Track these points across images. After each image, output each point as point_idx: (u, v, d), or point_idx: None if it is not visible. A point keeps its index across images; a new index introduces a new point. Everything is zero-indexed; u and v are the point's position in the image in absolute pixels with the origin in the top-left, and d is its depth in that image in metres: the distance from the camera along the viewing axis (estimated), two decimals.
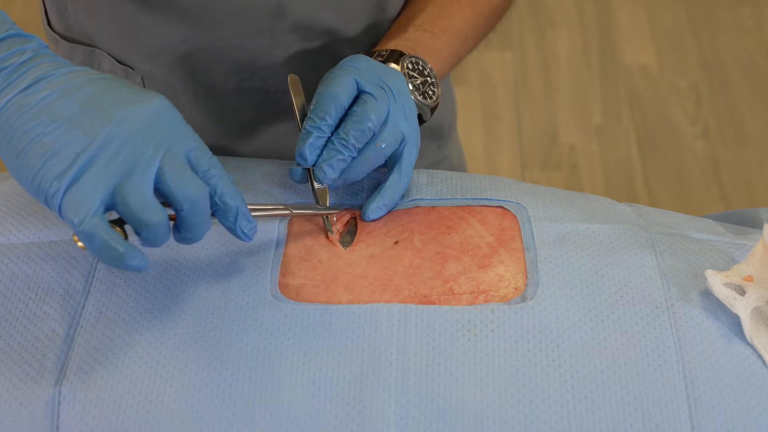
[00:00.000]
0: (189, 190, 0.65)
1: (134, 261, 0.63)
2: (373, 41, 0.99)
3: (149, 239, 0.64)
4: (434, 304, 0.72)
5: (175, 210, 0.66)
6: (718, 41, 2.67)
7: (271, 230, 0.78)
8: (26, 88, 0.63)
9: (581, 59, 2.64)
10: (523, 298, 0.72)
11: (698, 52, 2.64)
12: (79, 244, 0.65)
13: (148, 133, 0.64)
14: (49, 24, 1.04)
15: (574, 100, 2.53)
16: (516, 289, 0.73)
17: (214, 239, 0.77)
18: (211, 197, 0.68)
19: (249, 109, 1.01)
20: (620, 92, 2.54)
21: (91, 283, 0.75)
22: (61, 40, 1.02)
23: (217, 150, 0.70)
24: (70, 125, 0.62)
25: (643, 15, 2.75)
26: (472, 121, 2.41)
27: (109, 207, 0.63)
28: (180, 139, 0.66)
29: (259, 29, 0.93)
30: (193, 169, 0.66)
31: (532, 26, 2.72)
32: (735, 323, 0.71)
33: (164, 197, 0.65)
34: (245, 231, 0.70)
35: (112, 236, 0.62)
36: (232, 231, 0.70)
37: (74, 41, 1.00)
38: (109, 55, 0.98)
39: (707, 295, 0.72)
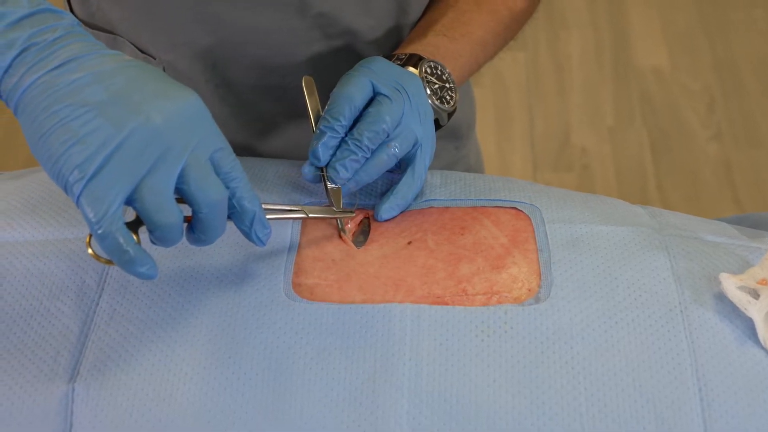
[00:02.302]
0: (210, 193, 0.64)
1: (143, 268, 0.63)
2: (394, 44, 0.99)
3: (161, 239, 0.64)
4: (447, 304, 0.72)
5: (193, 212, 0.65)
6: (731, 43, 2.66)
7: (284, 230, 0.78)
8: (56, 68, 0.62)
9: (594, 61, 2.63)
10: (537, 300, 0.72)
11: (711, 54, 2.64)
12: (90, 251, 0.65)
13: (177, 130, 0.63)
14: (71, 10, 1.03)
15: (586, 102, 2.52)
16: (529, 290, 0.73)
17: (228, 238, 0.77)
18: (229, 199, 0.67)
19: (268, 106, 1.01)
20: (633, 94, 2.53)
21: (104, 281, 0.75)
22: (83, 26, 1.02)
23: (235, 146, 0.69)
24: (98, 113, 0.61)
25: (655, 17, 2.75)
26: (484, 121, 2.41)
27: (127, 202, 0.62)
28: (207, 138, 0.65)
29: (282, 25, 0.93)
30: (216, 170, 0.66)
31: (545, 27, 2.71)
32: (749, 327, 0.70)
33: (184, 197, 0.64)
34: (260, 236, 0.70)
35: (126, 239, 0.61)
36: (247, 235, 0.70)
37: (96, 28, 1.00)
38: (131, 43, 0.98)
39: (721, 298, 0.72)
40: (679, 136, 2.42)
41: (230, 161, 0.67)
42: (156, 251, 0.76)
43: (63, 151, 0.60)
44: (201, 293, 0.73)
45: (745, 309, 0.70)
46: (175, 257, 0.76)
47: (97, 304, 0.74)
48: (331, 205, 0.79)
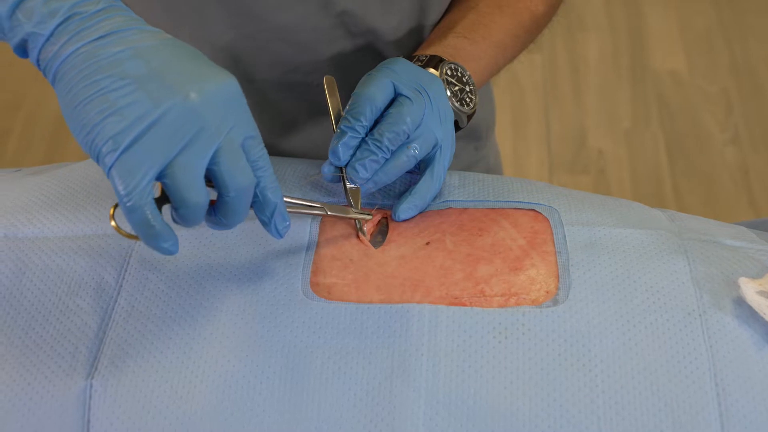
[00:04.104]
0: (240, 178, 0.64)
1: (167, 244, 0.63)
2: (415, 45, 0.99)
3: (185, 217, 0.64)
4: (465, 305, 0.72)
5: (220, 194, 0.65)
6: (749, 46, 2.65)
7: (303, 229, 0.78)
8: (98, 39, 0.62)
9: (611, 63, 2.63)
10: (555, 302, 0.72)
11: (729, 57, 2.63)
12: (112, 223, 0.65)
13: (214, 111, 0.63)
14: None
15: (603, 104, 2.52)
16: (547, 292, 0.73)
17: (246, 236, 0.77)
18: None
19: (290, 103, 1.02)
20: (649, 97, 2.52)
21: (123, 278, 0.75)
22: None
23: None
24: (137, 86, 0.61)
25: (673, 19, 2.74)
26: (500, 123, 2.39)
27: (156, 178, 0.62)
28: (242, 123, 0.65)
29: (307, 23, 0.93)
30: (245, 156, 0.66)
31: (561, 29, 2.71)
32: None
33: (212, 179, 0.64)
34: (278, 228, 0.70)
35: (154, 214, 0.61)
36: (266, 226, 0.70)
37: None
38: None
39: (740, 302, 0.72)
40: (696, 139, 2.42)
41: (259, 150, 0.67)
42: (178, 251, 0.77)
43: (99, 121, 0.60)
44: (219, 291, 0.74)
45: (764, 314, 0.70)
46: (194, 255, 0.76)
47: (116, 300, 0.74)
48: (350, 205, 0.79)
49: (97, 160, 0.61)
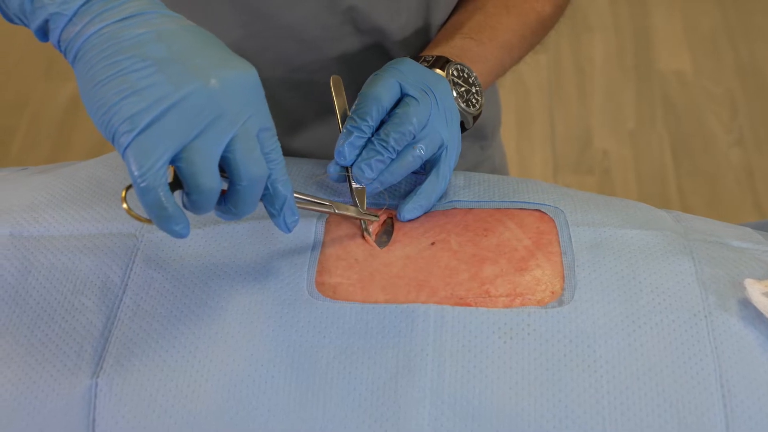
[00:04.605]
0: (253, 168, 0.64)
1: (178, 226, 0.63)
2: (421, 45, 0.99)
3: (196, 203, 0.63)
4: (470, 305, 0.72)
5: (232, 183, 0.65)
6: (754, 47, 2.65)
7: (308, 228, 0.78)
8: (121, 20, 0.62)
9: (616, 63, 2.62)
10: (560, 303, 0.72)
11: (734, 58, 2.62)
12: (124, 205, 0.65)
13: (233, 99, 0.63)
14: None
15: (608, 105, 2.51)
16: (553, 293, 0.73)
17: (251, 236, 0.77)
18: None
19: (296, 102, 1.02)
20: (655, 97, 2.52)
21: (128, 277, 0.75)
22: None
23: None
24: (158, 69, 0.61)
25: (678, 20, 2.73)
26: (505, 123, 2.38)
27: (172, 161, 0.62)
28: (259, 114, 0.65)
29: (314, 20, 0.93)
30: (259, 147, 0.66)
31: (567, 30, 2.70)
32: None
33: (226, 167, 0.64)
34: (287, 222, 0.70)
35: (167, 196, 0.61)
36: (275, 219, 0.70)
37: None
38: None
39: (746, 304, 0.72)
40: (701, 140, 2.41)
41: (273, 143, 0.67)
42: (182, 248, 0.77)
43: (117, 101, 0.60)
44: (224, 291, 0.74)
45: None
46: (199, 255, 0.76)
47: (121, 300, 0.74)
48: (356, 204, 0.79)
49: (113, 140, 0.61)
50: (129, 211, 0.65)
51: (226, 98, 0.62)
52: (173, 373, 0.69)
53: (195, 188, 0.62)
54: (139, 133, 0.60)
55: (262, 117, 0.66)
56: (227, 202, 0.66)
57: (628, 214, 0.81)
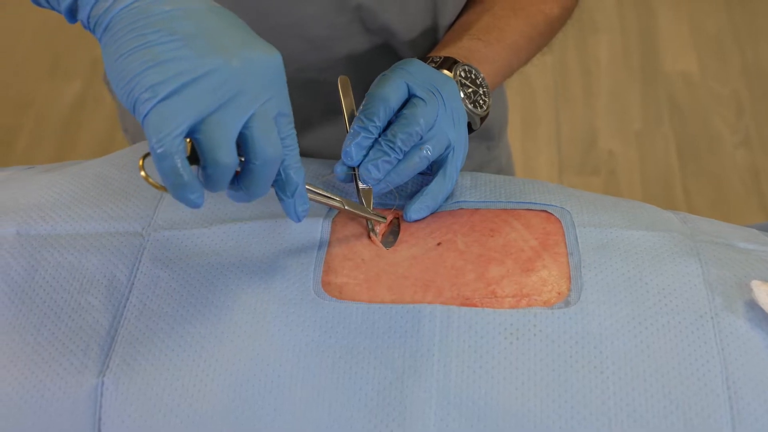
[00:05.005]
0: (269, 148, 0.64)
1: (193, 195, 0.63)
2: (429, 46, 0.99)
3: (211, 177, 0.63)
4: (476, 306, 0.72)
5: (246, 161, 0.65)
6: (760, 49, 2.64)
7: (315, 228, 0.78)
8: None
9: (622, 64, 2.62)
10: (567, 303, 0.72)
11: (740, 59, 2.62)
12: (142, 173, 0.65)
13: (255, 80, 0.64)
14: None
15: (613, 106, 2.51)
16: (559, 293, 0.73)
17: (257, 235, 0.77)
18: None
19: (303, 101, 1.02)
20: (661, 98, 2.52)
21: (135, 276, 0.75)
22: None
23: None
24: (184, 44, 0.62)
25: (685, 21, 2.73)
26: (510, 123, 2.38)
27: (190, 132, 0.62)
28: (279, 98, 0.66)
29: (322, 18, 0.93)
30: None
31: (573, 31, 2.69)
32: None
33: (243, 144, 0.64)
34: (297, 210, 0.70)
35: (183, 163, 0.61)
36: (286, 207, 0.70)
37: None
38: None
39: (752, 305, 0.72)
40: (707, 141, 2.41)
41: (289, 129, 0.67)
42: (188, 247, 0.77)
43: (140, 71, 0.61)
44: (231, 290, 0.74)
45: None
46: (205, 254, 0.76)
47: (128, 298, 0.74)
48: (362, 205, 0.79)
49: (134, 109, 0.61)
50: (146, 178, 0.65)
51: (248, 77, 0.63)
52: (179, 373, 0.70)
53: (212, 161, 0.62)
54: (159, 101, 0.60)
55: (282, 101, 0.66)
56: (240, 182, 0.66)
57: (634, 215, 0.81)
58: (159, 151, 0.60)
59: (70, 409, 0.69)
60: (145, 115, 0.60)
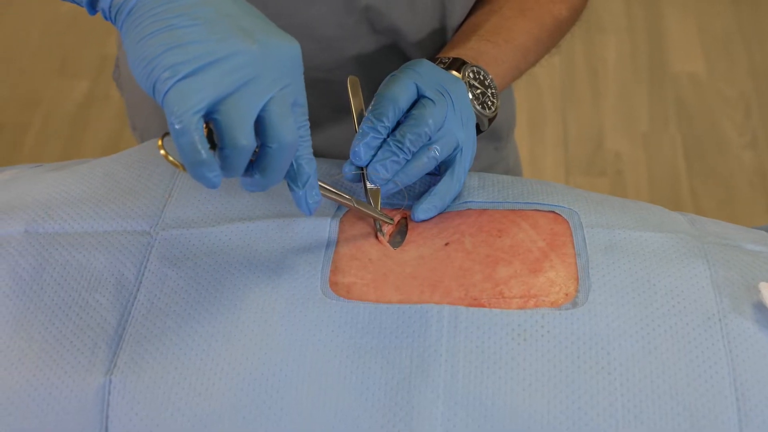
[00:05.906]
0: (285, 132, 0.65)
1: (211, 174, 0.63)
2: (438, 47, 0.99)
3: (228, 159, 0.64)
4: (484, 306, 0.72)
5: (263, 145, 0.65)
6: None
7: (322, 228, 0.78)
8: None
9: (629, 65, 2.62)
10: (574, 304, 0.72)
11: (748, 60, 2.61)
12: (162, 151, 0.65)
13: (274, 65, 0.64)
14: None
15: (621, 107, 2.51)
16: (567, 294, 0.73)
17: (265, 234, 0.77)
18: None
19: (312, 100, 1.02)
20: (668, 100, 2.51)
21: (143, 274, 0.76)
22: None
23: None
24: (206, 27, 0.62)
25: (692, 22, 2.73)
26: (518, 124, 2.38)
27: (208, 114, 0.62)
28: (296, 87, 0.67)
29: (331, 18, 0.93)
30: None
31: (580, 31, 2.69)
32: None
33: (260, 126, 0.65)
34: (309, 202, 0.70)
35: (202, 141, 0.62)
36: (298, 198, 0.70)
37: None
38: None
39: (760, 307, 0.72)
40: (714, 142, 2.41)
41: (304, 120, 0.68)
42: (196, 246, 0.77)
43: (161, 52, 0.61)
44: (238, 289, 0.74)
45: None
46: (213, 253, 0.76)
47: (135, 297, 0.74)
48: (370, 204, 0.79)
49: (153, 89, 0.62)
50: (166, 155, 0.65)
51: (267, 62, 0.64)
52: (187, 371, 0.70)
53: (230, 142, 0.63)
54: (179, 80, 0.61)
55: (298, 91, 0.67)
56: (255, 167, 0.67)
57: (642, 216, 0.81)
58: (177, 126, 0.61)
59: (78, 408, 0.69)
60: (165, 93, 0.61)
